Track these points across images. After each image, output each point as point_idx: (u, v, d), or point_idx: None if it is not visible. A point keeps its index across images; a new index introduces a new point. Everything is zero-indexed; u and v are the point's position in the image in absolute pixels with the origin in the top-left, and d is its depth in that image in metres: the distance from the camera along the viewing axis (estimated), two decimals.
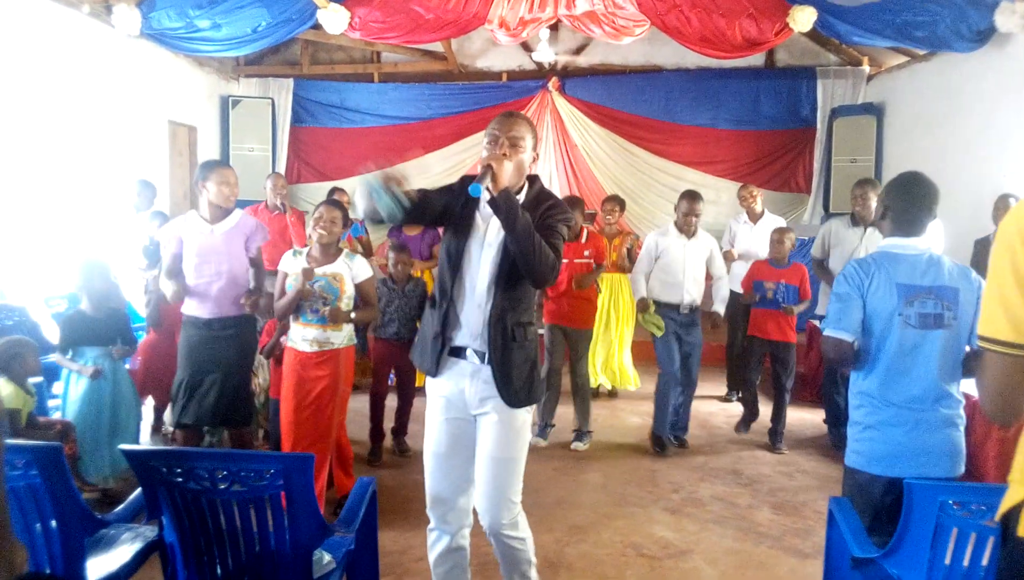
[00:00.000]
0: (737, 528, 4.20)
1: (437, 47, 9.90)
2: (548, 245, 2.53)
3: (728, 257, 6.33)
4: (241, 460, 2.45)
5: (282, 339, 4.21)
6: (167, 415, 4.66)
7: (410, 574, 3.58)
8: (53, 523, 2.52)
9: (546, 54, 9.70)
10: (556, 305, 5.42)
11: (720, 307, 5.51)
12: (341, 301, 4.00)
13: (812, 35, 8.64)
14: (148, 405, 5.28)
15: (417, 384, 6.05)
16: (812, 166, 9.83)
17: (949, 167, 7.17)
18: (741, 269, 6.21)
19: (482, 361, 2.65)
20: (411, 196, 2.47)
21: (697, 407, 6.42)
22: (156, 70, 8.16)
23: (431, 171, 10.12)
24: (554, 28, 9.27)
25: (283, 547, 2.48)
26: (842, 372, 3.79)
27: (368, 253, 6.82)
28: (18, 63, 5.90)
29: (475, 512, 2.79)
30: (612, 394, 6.93)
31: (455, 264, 2.68)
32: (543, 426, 5.51)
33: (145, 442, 5.04)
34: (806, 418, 6.01)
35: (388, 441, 5.24)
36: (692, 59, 9.46)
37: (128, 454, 2.46)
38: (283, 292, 4.06)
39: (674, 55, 9.76)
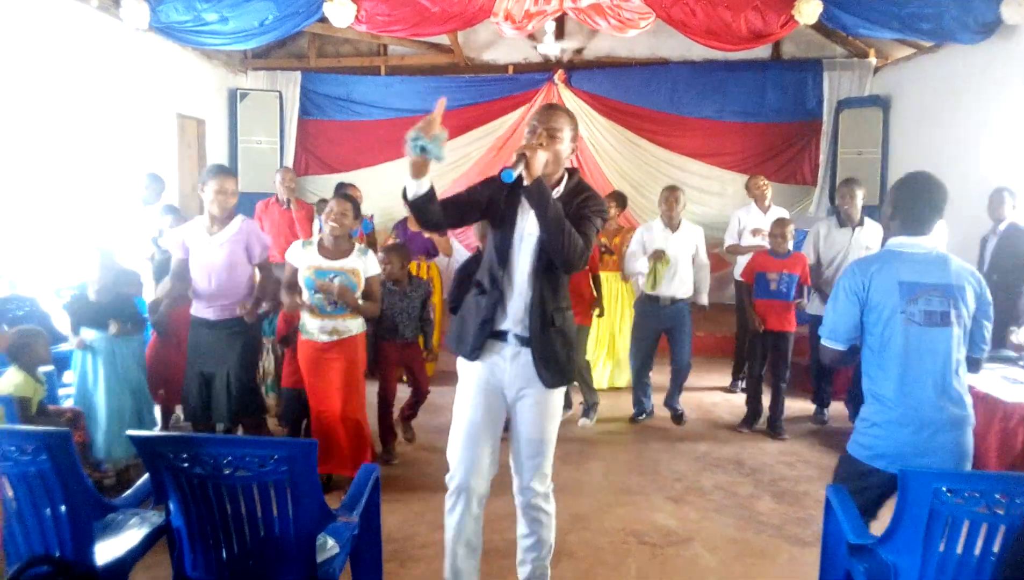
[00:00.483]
0: (738, 517, 4.24)
1: (443, 40, 9.92)
2: (580, 233, 2.67)
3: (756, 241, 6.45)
4: (245, 446, 2.50)
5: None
6: (178, 411, 4.73)
7: (414, 560, 3.64)
8: (62, 508, 2.57)
9: (552, 47, 9.71)
10: None
11: (704, 299, 5.78)
12: (357, 294, 4.20)
13: (818, 27, 8.65)
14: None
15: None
16: (818, 158, 9.83)
17: (956, 159, 7.17)
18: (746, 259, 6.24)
19: (522, 344, 2.83)
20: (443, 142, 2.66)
21: (700, 398, 6.48)
22: (165, 63, 8.21)
23: (438, 163, 10.10)
24: (560, 21, 9.28)
25: (287, 532, 2.53)
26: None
27: (374, 250, 6.84)
28: (28, 57, 5.95)
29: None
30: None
31: (502, 255, 2.83)
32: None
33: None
34: (809, 408, 6.02)
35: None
36: (698, 51, 9.44)
37: (135, 440, 2.51)
38: (292, 282, 4.18)
39: (680, 47, 9.74)
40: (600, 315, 5.78)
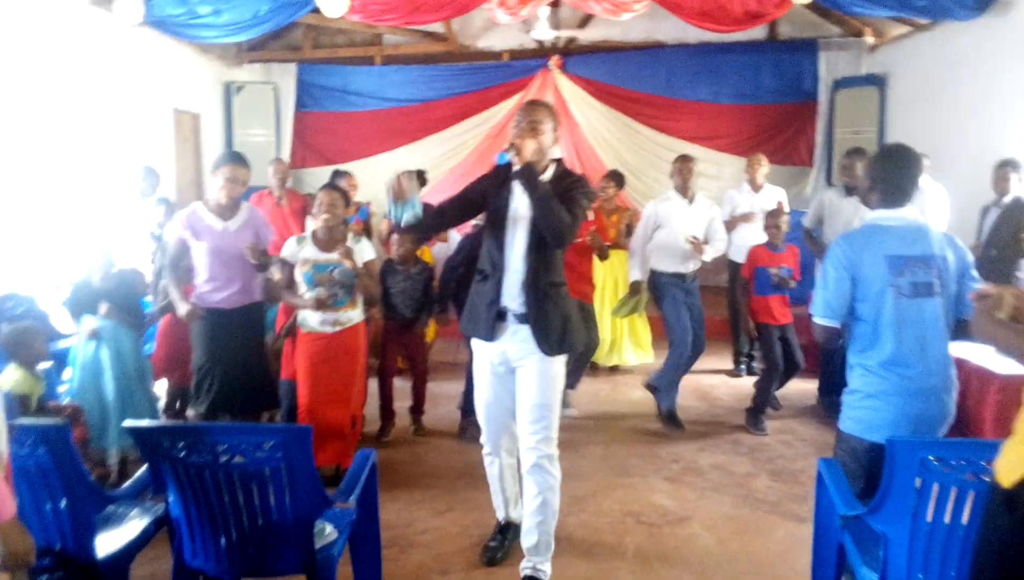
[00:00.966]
0: (735, 495, 4.27)
1: (438, 28, 9.92)
2: (567, 210, 3.02)
3: (744, 219, 6.42)
4: (241, 433, 2.54)
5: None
6: (191, 408, 4.76)
7: (414, 546, 3.67)
8: (63, 501, 2.60)
9: (546, 33, 9.69)
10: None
11: (708, 256, 5.47)
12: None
13: (813, 6, 8.57)
14: (164, 387, 5.34)
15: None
16: (815, 139, 9.81)
17: (953, 136, 7.16)
18: (740, 238, 6.25)
19: (520, 321, 3.13)
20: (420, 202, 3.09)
21: (699, 380, 6.50)
22: (160, 58, 8.21)
23: (434, 152, 10.17)
24: (554, 5, 9.25)
25: (284, 518, 2.56)
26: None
27: (369, 235, 6.87)
28: (23, 54, 5.95)
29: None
30: (613, 368, 6.99)
31: (498, 240, 3.17)
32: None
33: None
34: (806, 388, 6.04)
35: (403, 422, 5.32)
36: (693, 34, 9.38)
37: (132, 431, 2.54)
38: (289, 278, 4.21)
39: (675, 30, 9.69)
40: (602, 257, 5.53)
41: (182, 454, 2.48)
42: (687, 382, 6.03)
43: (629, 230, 6.33)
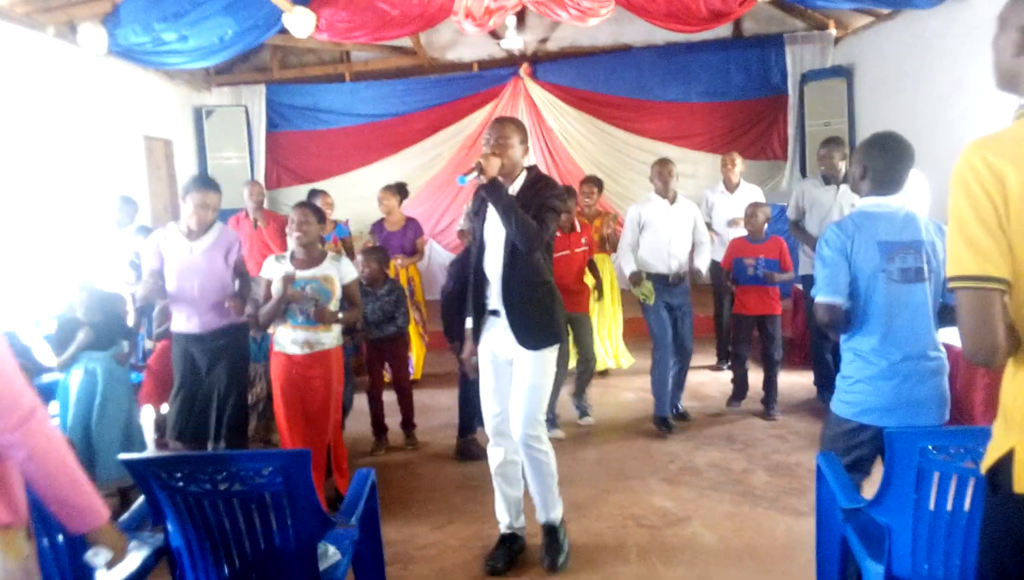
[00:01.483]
0: (734, 492, 4.28)
1: (406, 42, 9.91)
2: (539, 217, 3.25)
3: (735, 224, 6.41)
4: (239, 460, 2.50)
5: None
6: (167, 437, 4.71)
7: (415, 562, 3.64)
8: (59, 536, 2.55)
9: (514, 41, 9.72)
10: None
11: (702, 266, 5.49)
12: (332, 303, 4.06)
13: (777, 2, 8.72)
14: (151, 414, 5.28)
15: (414, 377, 6.16)
16: (786, 133, 9.90)
17: (920, 124, 7.23)
18: (727, 237, 6.27)
19: (503, 317, 3.39)
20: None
21: (689, 377, 6.46)
22: (128, 86, 8.16)
23: (410, 165, 10.17)
24: (520, 15, 9.30)
25: (287, 542, 2.53)
26: (832, 338, 3.79)
27: (351, 255, 6.83)
28: None
29: None
30: (604, 373, 6.99)
31: (480, 249, 3.46)
32: (552, 418, 5.21)
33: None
34: (796, 381, 6.09)
35: (396, 437, 5.30)
36: (660, 35, 9.48)
37: (128, 463, 2.51)
38: (268, 298, 4.10)
39: (642, 32, 9.79)
40: (599, 298, 5.84)
41: (180, 484, 2.44)
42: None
43: (611, 236, 6.29)
